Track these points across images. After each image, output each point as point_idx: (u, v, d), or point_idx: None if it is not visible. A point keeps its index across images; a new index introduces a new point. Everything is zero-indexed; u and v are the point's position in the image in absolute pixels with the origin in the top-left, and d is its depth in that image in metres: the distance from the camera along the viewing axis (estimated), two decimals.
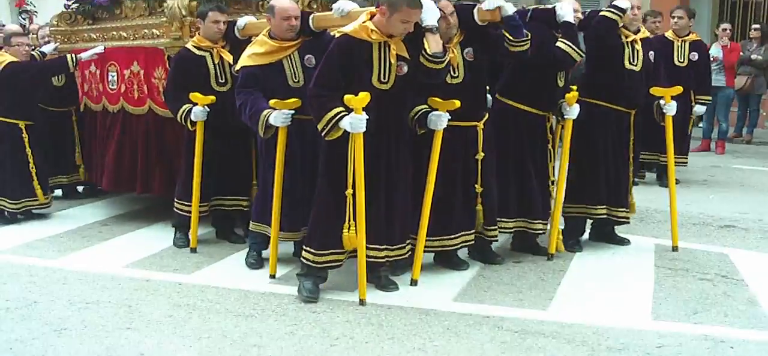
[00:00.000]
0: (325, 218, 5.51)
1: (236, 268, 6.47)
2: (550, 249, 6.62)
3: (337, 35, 5.62)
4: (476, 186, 6.10)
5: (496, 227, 6.34)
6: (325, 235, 5.52)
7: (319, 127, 5.33)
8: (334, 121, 5.26)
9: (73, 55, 8.19)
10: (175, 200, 7.10)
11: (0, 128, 8.06)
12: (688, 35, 9.84)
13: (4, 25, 12.33)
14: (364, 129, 5.23)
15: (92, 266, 6.65)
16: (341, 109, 5.26)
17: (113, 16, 8.31)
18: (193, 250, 6.97)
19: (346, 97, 5.21)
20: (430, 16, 5.46)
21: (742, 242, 7.30)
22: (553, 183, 6.63)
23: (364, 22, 5.43)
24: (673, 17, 9.92)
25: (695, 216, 8.18)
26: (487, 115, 6.17)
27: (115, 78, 7.95)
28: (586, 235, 7.11)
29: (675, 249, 6.81)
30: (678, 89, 6.84)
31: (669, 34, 9.88)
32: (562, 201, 6.71)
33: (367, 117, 5.21)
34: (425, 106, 5.74)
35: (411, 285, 5.87)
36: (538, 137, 6.50)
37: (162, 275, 6.37)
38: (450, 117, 5.69)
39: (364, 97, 5.20)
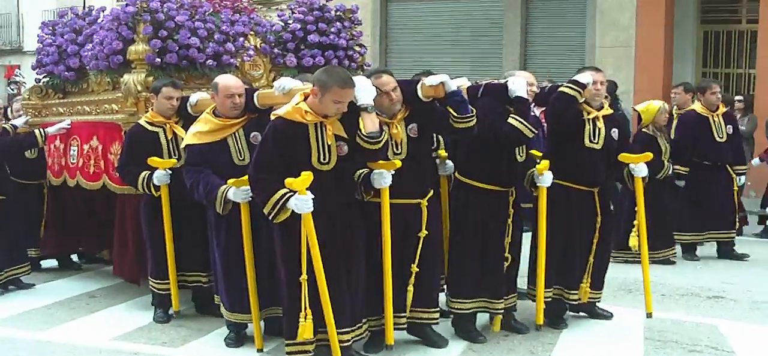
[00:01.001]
0: (288, 308, 5.44)
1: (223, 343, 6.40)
2: (536, 319, 6.42)
3: (272, 118, 5.50)
4: (412, 266, 5.85)
5: (437, 309, 6.08)
6: (290, 326, 5.43)
7: (266, 210, 5.25)
8: (280, 203, 5.18)
9: (42, 130, 8.17)
10: (150, 278, 7.00)
11: None
12: (717, 110, 9.57)
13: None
14: (311, 209, 5.10)
15: (79, 339, 6.58)
16: (286, 190, 5.16)
17: (81, 90, 8.35)
18: (177, 313, 6.90)
19: (287, 180, 5.10)
20: (363, 95, 5.37)
21: (731, 313, 7.29)
22: (505, 260, 6.26)
23: (297, 103, 5.36)
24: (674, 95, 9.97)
25: (683, 287, 8.18)
26: (432, 192, 6.00)
27: (76, 152, 7.95)
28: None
29: (649, 315, 6.61)
30: (648, 156, 6.65)
31: (700, 109, 9.59)
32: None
33: (313, 197, 5.10)
34: (366, 169, 5.56)
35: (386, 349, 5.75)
36: (500, 213, 6.24)
37: (150, 348, 6.31)
38: (393, 173, 5.46)
39: (305, 177, 5.08)
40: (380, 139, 5.36)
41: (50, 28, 8.79)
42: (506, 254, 6.27)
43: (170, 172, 6.61)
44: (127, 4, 7.38)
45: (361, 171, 5.57)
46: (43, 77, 8.77)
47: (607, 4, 15.43)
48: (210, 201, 5.81)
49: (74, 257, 9.46)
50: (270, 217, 5.27)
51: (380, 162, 5.47)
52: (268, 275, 5.90)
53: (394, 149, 5.72)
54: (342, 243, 5.45)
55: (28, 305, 7.70)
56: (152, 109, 6.88)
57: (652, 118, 8.99)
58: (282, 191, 5.17)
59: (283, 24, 8.60)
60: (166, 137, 6.77)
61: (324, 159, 5.33)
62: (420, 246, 5.85)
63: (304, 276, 5.24)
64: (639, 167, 6.53)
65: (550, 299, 6.53)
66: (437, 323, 6.15)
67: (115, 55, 7.37)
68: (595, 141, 6.52)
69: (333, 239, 5.39)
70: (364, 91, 5.36)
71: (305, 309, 5.25)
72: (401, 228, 5.77)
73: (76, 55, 8.18)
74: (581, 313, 6.91)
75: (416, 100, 5.74)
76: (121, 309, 7.56)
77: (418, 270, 5.86)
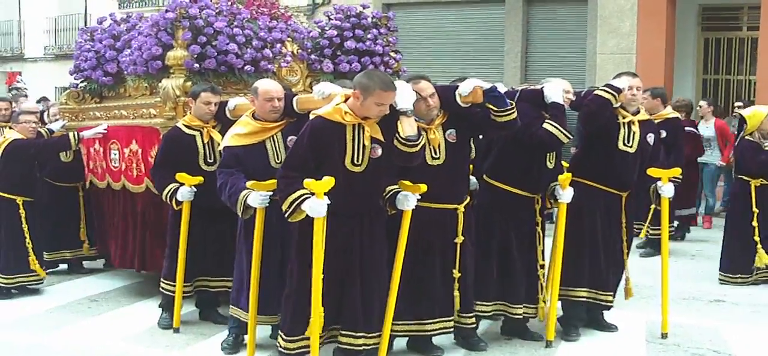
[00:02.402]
0: (295, 302, 5.43)
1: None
2: (547, 335, 6.35)
3: (312, 117, 5.53)
4: (454, 271, 5.92)
5: (473, 314, 6.12)
6: (294, 321, 5.43)
7: (283, 208, 5.28)
8: (296, 203, 5.20)
9: (76, 133, 8.26)
10: (162, 280, 7.00)
11: None
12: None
13: (47, 99, 12.57)
14: (324, 214, 5.10)
15: (80, 343, 6.60)
16: (305, 191, 5.18)
17: (118, 95, 8.39)
18: (176, 330, 6.86)
19: (307, 181, 5.11)
20: (403, 99, 5.38)
21: (732, 316, 7.32)
22: (541, 267, 6.37)
23: (338, 104, 5.39)
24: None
25: (685, 291, 8.18)
26: (469, 198, 6.04)
27: (117, 156, 7.98)
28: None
29: (664, 335, 6.58)
30: (676, 171, 6.69)
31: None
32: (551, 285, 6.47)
33: (329, 202, 5.09)
34: (396, 187, 5.62)
35: None
36: (526, 220, 6.30)
37: (152, 352, 6.33)
38: (420, 198, 5.54)
39: (326, 182, 5.09)
40: (418, 143, 5.38)
41: (88, 34, 8.84)
42: (542, 261, 6.35)
43: (195, 189, 6.64)
44: (166, 10, 7.46)
45: (390, 188, 5.62)
46: (81, 82, 8.82)
47: (608, 11, 15.43)
48: (232, 203, 5.84)
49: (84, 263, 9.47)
50: (286, 215, 5.29)
51: (407, 184, 5.53)
52: (278, 279, 5.88)
53: (433, 154, 5.77)
54: (362, 247, 5.47)
55: (29, 309, 7.73)
56: (191, 113, 6.92)
57: (758, 124, 8.72)
58: (301, 191, 5.19)
59: (320, 31, 8.67)
60: (202, 141, 6.80)
61: (357, 160, 5.34)
62: (458, 251, 5.91)
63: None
64: (667, 188, 6.50)
65: (584, 300, 6.57)
66: (475, 327, 6.25)
67: (154, 61, 7.45)
68: (629, 144, 6.50)
69: (355, 242, 5.44)
70: (404, 95, 5.39)
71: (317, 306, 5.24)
72: (440, 232, 5.87)
73: (114, 60, 8.22)
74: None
75: (454, 106, 5.80)
76: (122, 312, 7.59)
77: (460, 274, 5.92)
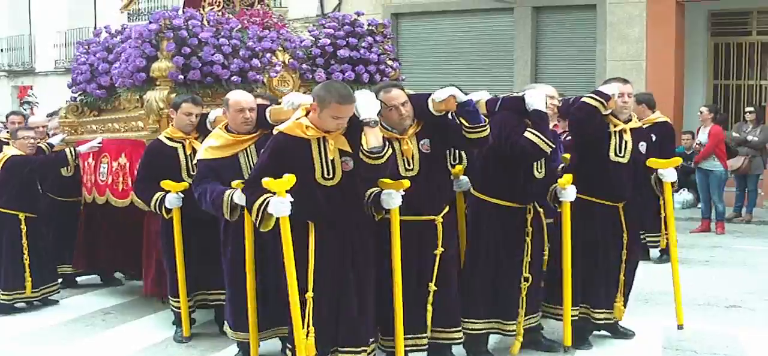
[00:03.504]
0: (291, 324, 5.20)
1: None
2: (564, 341, 6.17)
3: (274, 133, 5.38)
4: (430, 284, 5.61)
5: (460, 328, 5.81)
6: (291, 342, 5.25)
7: (253, 219, 5.16)
8: (262, 208, 5.05)
9: (73, 149, 8.25)
10: (170, 297, 6.95)
11: (1, 219, 8.11)
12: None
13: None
14: (287, 212, 4.94)
15: None
16: (267, 194, 5.01)
17: (114, 108, 8.36)
18: (187, 339, 6.82)
19: (265, 181, 4.94)
20: (366, 109, 5.15)
21: (750, 323, 7.25)
22: (525, 280, 5.99)
23: (298, 118, 5.24)
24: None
25: (700, 297, 8.12)
26: (447, 208, 5.77)
27: (106, 170, 7.98)
28: None
29: (680, 327, 6.58)
30: (678, 160, 6.58)
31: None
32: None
33: (292, 200, 4.93)
34: (377, 188, 5.38)
35: None
36: (516, 231, 5.98)
37: None
38: (403, 196, 5.30)
39: (286, 180, 4.94)
40: (383, 155, 5.13)
41: (85, 46, 8.82)
42: (526, 274, 6.02)
43: (182, 195, 6.56)
44: (150, 22, 7.42)
45: (371, 190, 5.40)
46: (79, 95, 8.82)
47: (617, 18, 15.45)
48: (217, 207, 5.66)
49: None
50: (258, 225, 5.17)
51: (388, 181, 5.32)
52: (277, 291, 5.66)
53: (406, 165, 5.53)
54: (352, 260, 5.29)
55: (43, 322, 7.72)
56: (172, 125, 6.87)
57: None
58: (264, 195, 5.03)
59: (313, 39, 8.56)
60: (185, 153, 6.74)
61: (328, 174, 5.17)
62: (437, 263, 5.64)
63: (310, 294, 5.11)
64: (668, 172, 6.37)
65: (576, 317, 6.31)
66: (459, 343, 5.92)
67: (139, 73, 7.40)
68: (622, 154, 6.27)
69: (343, 256, 5.26)
70: (366, 105, 5.16)
71: (307, 326, 5.10)
72: (416, 245, 5.60)
73: (107, 73, 8.17)
74: (603, 331, 6.68)
75: (428, 115, 5.53)
76: (136, 326, 7.56)
77: (436, 288, 5.63)
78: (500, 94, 6.21)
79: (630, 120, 6.41)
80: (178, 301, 6.81)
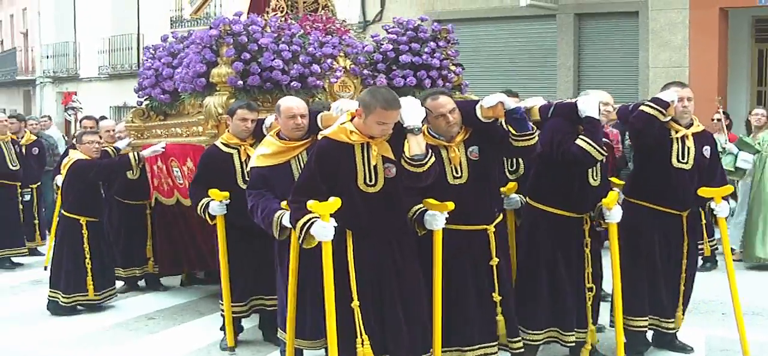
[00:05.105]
0: (341, 336, 5.07)
1: None
2: (618, 353, 6.00)
3: (319, 138, 5.38)
4: (493, 294, 5.58)
5: (520, 338, 5.76)
6: (343, 351, 5.11)
7: (298, 238, 5.12)
8: (305, 229, 5.00)
9: (136, 153, 8.35)
10: (221, 301, 6.96)
11: (63, 222, 8.34)
12: None
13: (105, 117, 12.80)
14: (329, 238, 4.93)
15: None
16: (311, 215, 4.97)
17: (179, 112, 8.42)
18: (232, 349, 6.85)
19: (310, 204, 4.93)
20: (410, 116, 5.09)
21: None
22: (589, 290, 5.97)
23: (343, 123, 5.18)
24: None
25: (746, 306, 7.78)
26: (500, 217, 5.74)
27: (179, 173, 8.03)
28: None
29: None
30: (729, 188, 6.36)
31: None
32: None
33: (335, 224, 4.92)
34: (422, 205, 5.38)
35: None
36: (572, 241, 5.95)
37: None
38: (448, 217, 5.29)
39: (332, 203, 4.93)
40: (425, 162, 5.07)
41: (151, 51, 8.88)
42: (589, 284, 5.98)
43: (227, 202, 6.58)
44: (210, 27, 7.48)
45: (417, 207, 5.40)
46: (144, 100, 8.92)
47: (659, 25, 15.32)
48: (266, 225, 5.66)
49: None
50: (301, 244, 5.14)
51: (433, 202, 5.29)
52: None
53: (454, 173, 5.48)
54: (395, 269, 5.24)
55: (88, 326, 7.83)
56: (228, 131, 6.87)
57: None
58: (308, 216, 5.00)
59: (375, 45, 8.57)
60: (240, 159, 6.71)
61: (370, 181, 5.11)
62: (495, 273, 5.60)
63: (355, 302, 5.07)
64: (720, 208, 6.15)
65: (645, 329, 6.29)
66: (522, 352, 5.83)
67: (199, 78, 7.48)
68: (684, 161, 6.14)
69: (386, 264, 5.22)
70: (410, 112, 5.10)
71: (361, 335, 5.07)
72: (468, 255, 5.56)
73: (171, 78, 8.24)
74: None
75: (476, 122, 5.49)
76: (179, 331, 7.64)
77: (500, 298, 5.59)
78: (550, 100, 6.18)
79: (691, 124, 6.27)
80: (234, 305, 6.80)
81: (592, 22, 16.29)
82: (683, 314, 6.43)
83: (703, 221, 6.80)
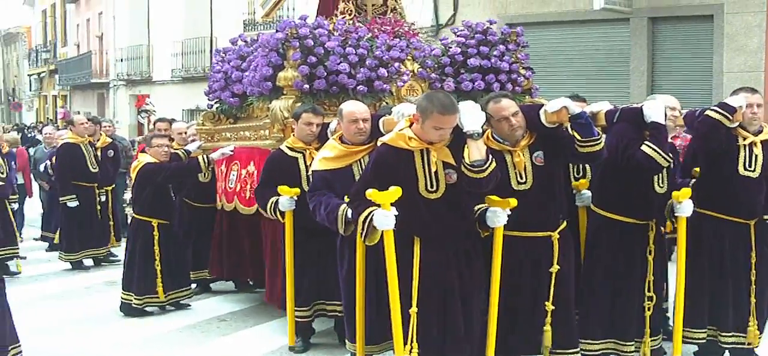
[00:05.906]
0: (395, 338, 5.09)
1: None
2: None
3: (378, 144, 5.35)
4: (546, 303, 5.50)
5: (578, 349, 5.69)
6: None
7: (360, 234, 5.16)
8: (367, 222, 5.03)
9: (205, 156, 8.42)
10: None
11: (135, 225, 8.48)
12: None
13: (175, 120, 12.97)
14: (391, 226, 4.93)
15: None
16: (372, 207, 4.99)
17: (248, 116, 8.49)
18: (291, 349, 6.88)
19: (369, 192, 4.93)
20: (469, 121, 5.03)
21: None
22: (649, 299, 5.88)
23: (402, 129, 5.17)
24: None
25: None
26: (564, 223, 5.65)
27: (235, 177, 8.10)
28: None
29: None
30: None
31: None
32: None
33: (396, 214, 4.92)
34: (484, 205, 5.30)
35: None
36: (636, 249, 5.87)
37: None
38: (510, 222, 5.23)
39: (392, 192, 4.90)
40: (485, 168, 4.98)
41: (221, 54, 8.98)
42: (649, 293, 5.89)
43: (296, 198, 6.60)
44: (276, 31, 7.52)
45: (480, 206, 5.31)
46: (215, 103, 8.99)
47: (735, 29, 15.04)
48: (331, 221, 5.62)
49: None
50: (363, 239, 5.16)
51: (495, 199, 5.22)
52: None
53: (518, 178, 5.42)
54: (458, 275, 5.19)
55: (160, 328, 7.94)
56: (294, 135, 6.89)
57: None
58: (369, 209, 5.02)
59: (443, 48, 8.52)
60: (305, 163, 6.73)
61: (431, 187, 5.07)
62: (553, 282, 5.51)
63: (414, 309, 5.04)
64: None
65: (703, 341, 6.14)
66: None
67: (266, 81, 7.52)
68: (752, 168, 5.98)
69: (448, 271, 5.16)
70: (469, 116, 5.04)
71: (411, 342, 5.04)
72: (530, 262, 5.50)
73: (240, 81, 8.30)
74: None
75: (541, 127, 5.43)
76: (250, 333, 7.69)
77: (553, 307, 5.53)
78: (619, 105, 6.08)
79: (761, 131, 6.10)
80: (297, 310, 6.82)
81: (666, 26, 16.03)
82: (759, 329, 6.21)
83: None
